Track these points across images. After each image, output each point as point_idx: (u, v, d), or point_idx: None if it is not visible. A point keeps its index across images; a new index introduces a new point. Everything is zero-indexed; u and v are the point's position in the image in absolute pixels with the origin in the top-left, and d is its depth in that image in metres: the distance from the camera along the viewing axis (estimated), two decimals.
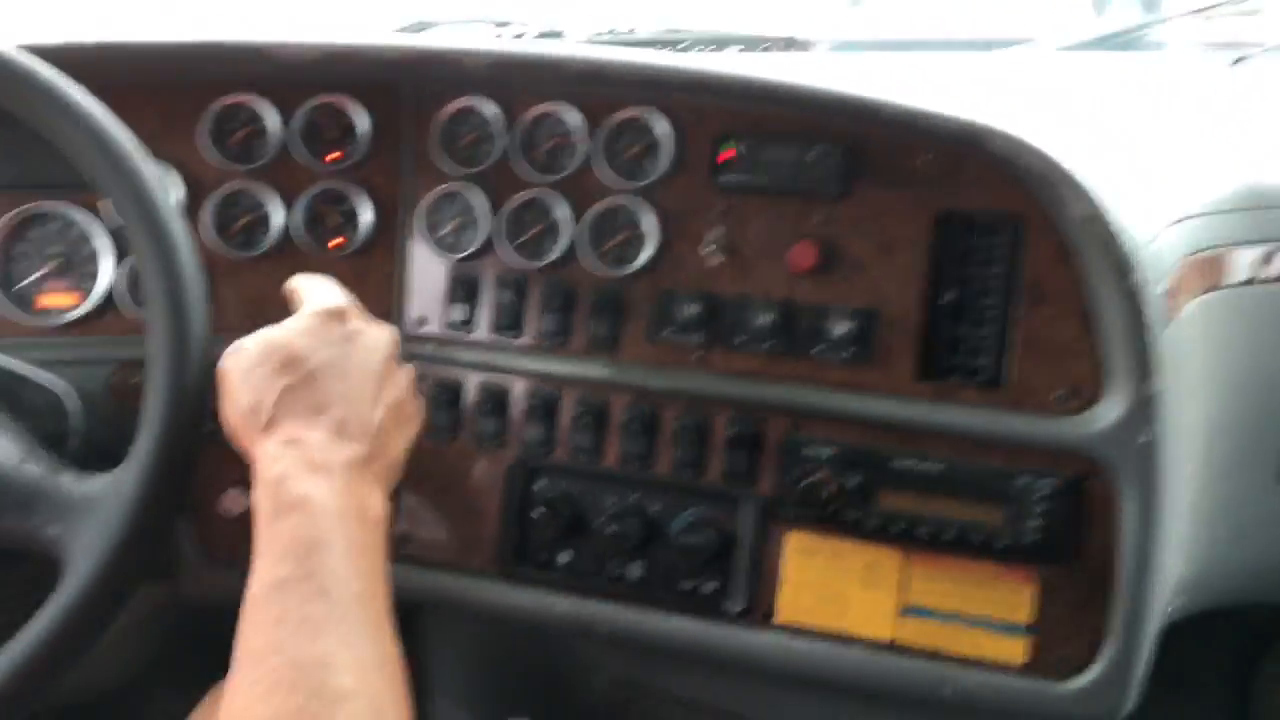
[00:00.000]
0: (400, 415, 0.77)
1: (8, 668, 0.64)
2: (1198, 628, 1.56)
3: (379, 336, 0.79)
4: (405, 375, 0.80)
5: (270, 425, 0.68)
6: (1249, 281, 0.96)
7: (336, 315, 0.77)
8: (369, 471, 0.70)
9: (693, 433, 0.91)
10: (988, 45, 1.30)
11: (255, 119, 0.97)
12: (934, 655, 0.87)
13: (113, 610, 0.67)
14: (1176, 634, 1.37)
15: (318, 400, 0.70)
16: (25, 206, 0.96)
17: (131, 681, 1.12)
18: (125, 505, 0.65)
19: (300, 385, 0.70)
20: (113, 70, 0.93)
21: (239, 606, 1.11)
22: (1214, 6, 1.17)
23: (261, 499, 0.66)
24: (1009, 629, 0.86)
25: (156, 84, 0.96)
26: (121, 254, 0.97)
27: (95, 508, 0.67)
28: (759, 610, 0.91)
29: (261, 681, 0.58)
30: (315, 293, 0.80)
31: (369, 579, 0.65)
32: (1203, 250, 0.92)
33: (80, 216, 0.96)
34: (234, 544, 0.97)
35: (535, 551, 0.96)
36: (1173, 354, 0.84)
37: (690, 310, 0.91)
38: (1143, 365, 0.80)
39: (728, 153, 0.91)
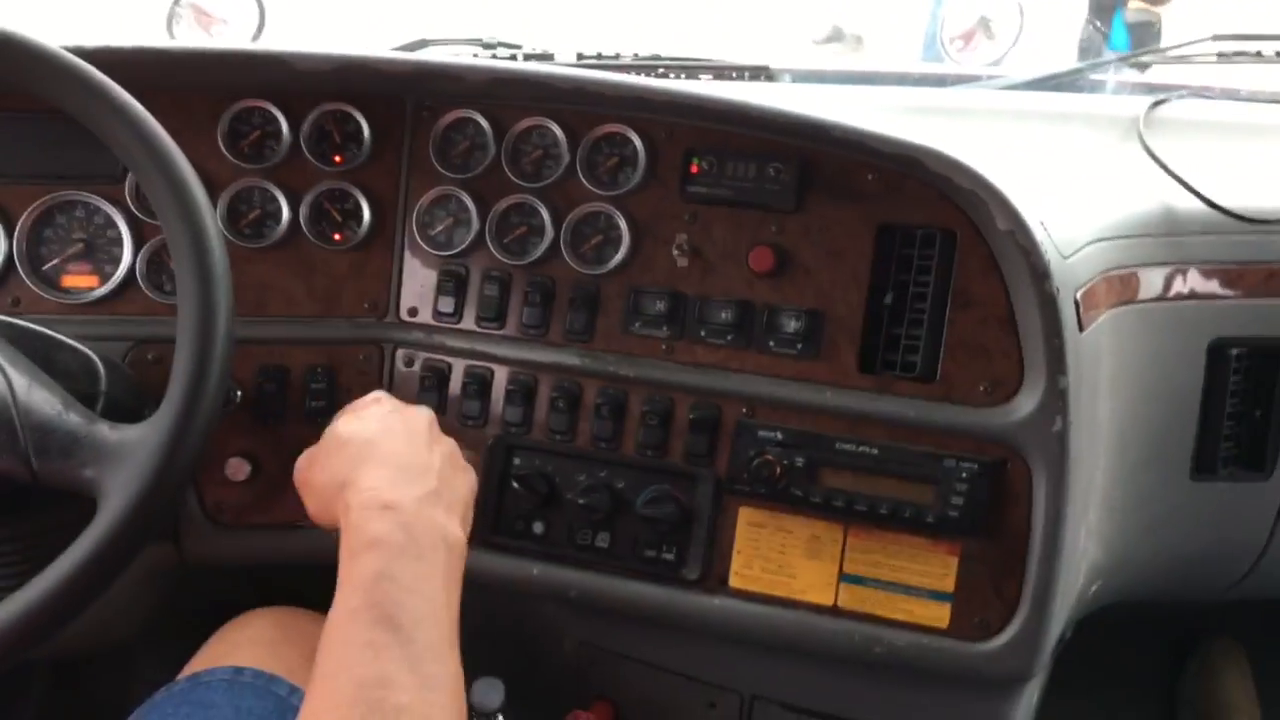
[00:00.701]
0: (455, 463, 0.87)
1: (46, 588, 0.73)
2: (1128, 627, 1.67)
3: (418, 410, 0.90)
4: (450, 440, 0.90)
5: (345, 485, 0.78)
6: (1157, 299, 1.07)
7: (375, 401, 0.90)
8: (440, 504, 0.79)
9: (657, 416, 1.00)
10: (940, 81, 1.41)
11: (267, 123, 1.06)
12: (869, 619, 0.97)
13: (139, 545, 0.75)
14: (1108, 631, 1.47)
15: (380, 456, 0.81)
16: (54, 194, 1.04)
17: (126, 640, 1.20)
18: (157, 451, 0.74)
19: (362, 450, 0.81)
20: (142, 73, 1.01)
21: (237, 568, 1.19)
22: (1139, 55, 1.29)
23: (344, 545, 0.75)
24: (935, 596, 0.95)
25: (178, 87, 1.05)
26: (140, 241, 1.05)
27: (130, 453, 0.75)
28: (713, 577, 1.00)
29: (328, 699, 0.66)
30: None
31: (434, 604, 0.71)
32: (1117, 268, 1.03)
33: (104, 205, 1.05)
34: (235, 509, 1.06)
35: (511, 522, 1.05)
36: (1086, 356, 0.94)
37: (658, 306, 1.01)
38: (1055, 363, 0.91)
39: (695, 167, 1.00)
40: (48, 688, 1.53)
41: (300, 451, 1.06)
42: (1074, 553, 0.97)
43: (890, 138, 0.93)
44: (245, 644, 0.99)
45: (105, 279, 1.05)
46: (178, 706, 0.89)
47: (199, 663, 0.98)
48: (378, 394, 0.92)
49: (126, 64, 0.98)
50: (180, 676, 0.95)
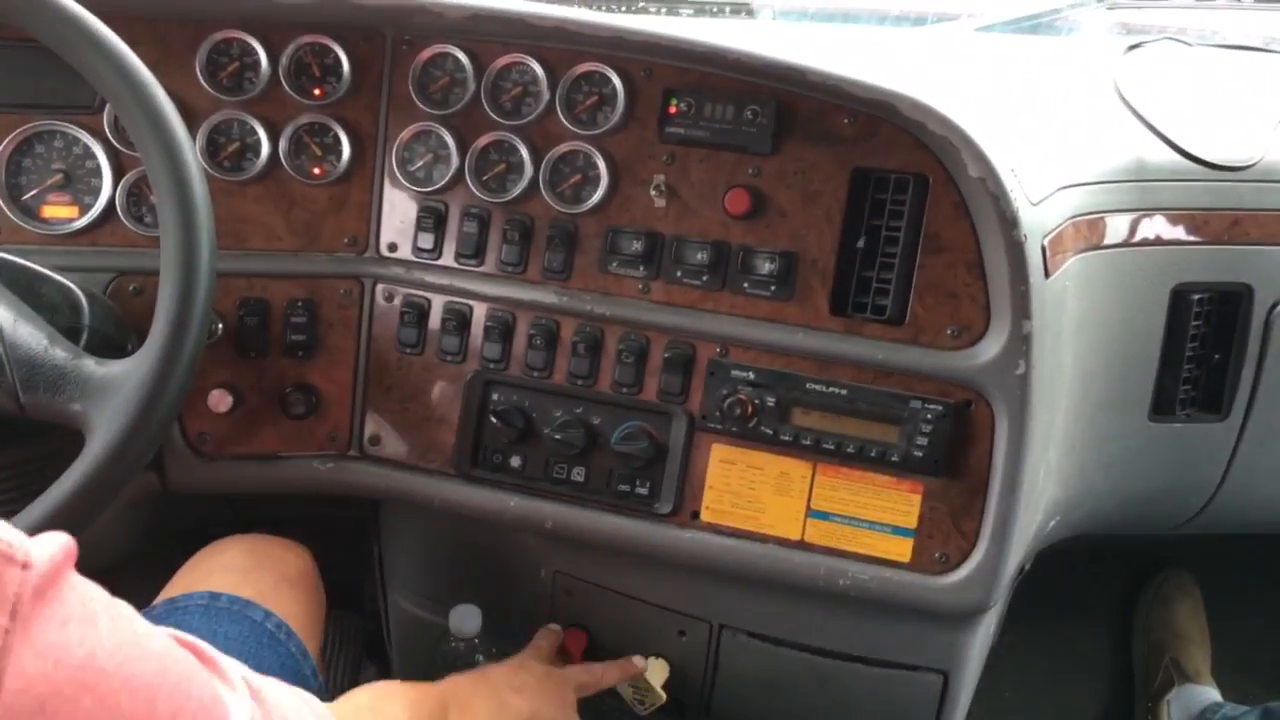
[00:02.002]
0: None
1: (37, 518, 0.75)
2: (1086, 559, 1.73)
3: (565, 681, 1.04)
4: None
5: None
6: (1123, 244, 1.10)
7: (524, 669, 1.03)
8: None
9: (633, 354, 1.02)
10: (918, 20, 1.42)
11: (246, 54, 1.05)
12: (834, 553, 1.00)
13: (126, 477, 0.77)
14: (1067, 564, 1.52)
15: None
16: (31, 124, 1.04)
17: (109, 563, 1.22)
18: (143, 385, 0.76)
19: None
20: (116, 1, 1.00)
21: (218, 496, 1.21)
22: None
23: None
24: (898, 531, 0.99)
25: (155, 17, 1.04)
26: (120, 171, 1.05)
27: (116, 387, 0.77)
28: (685, 511, 1.03)
29: None
30: None
31: None
32: (1085, 214, 1.05)
33: (82, 135, 1.04)
34: (217, 440, 1.08)
35: (489, 455, 1.07)
36: (1051, 301, 0.97)
37: (635, 246, 1.02)
38: (1020, 308, 0.93)
39: (673, 108, 1.01)
40: None
41: (281, 384, 1.08)
42: (1033, 490, 1.00)
43: (865, 83, 0.94)
44: (219, 570, 1.01)
45: (85, 210, 1.05)
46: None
47: (175, 588, 1.01)
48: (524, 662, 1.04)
49: None
50: (157, 601, 0.98)
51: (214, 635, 0.91)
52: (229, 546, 1.06)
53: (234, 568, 1.02)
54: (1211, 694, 1.65)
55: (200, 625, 0.92)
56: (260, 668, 0.90)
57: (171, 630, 0.54)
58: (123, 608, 0.47)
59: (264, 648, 0.93)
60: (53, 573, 0.43)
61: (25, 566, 0.41)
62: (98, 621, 0.44)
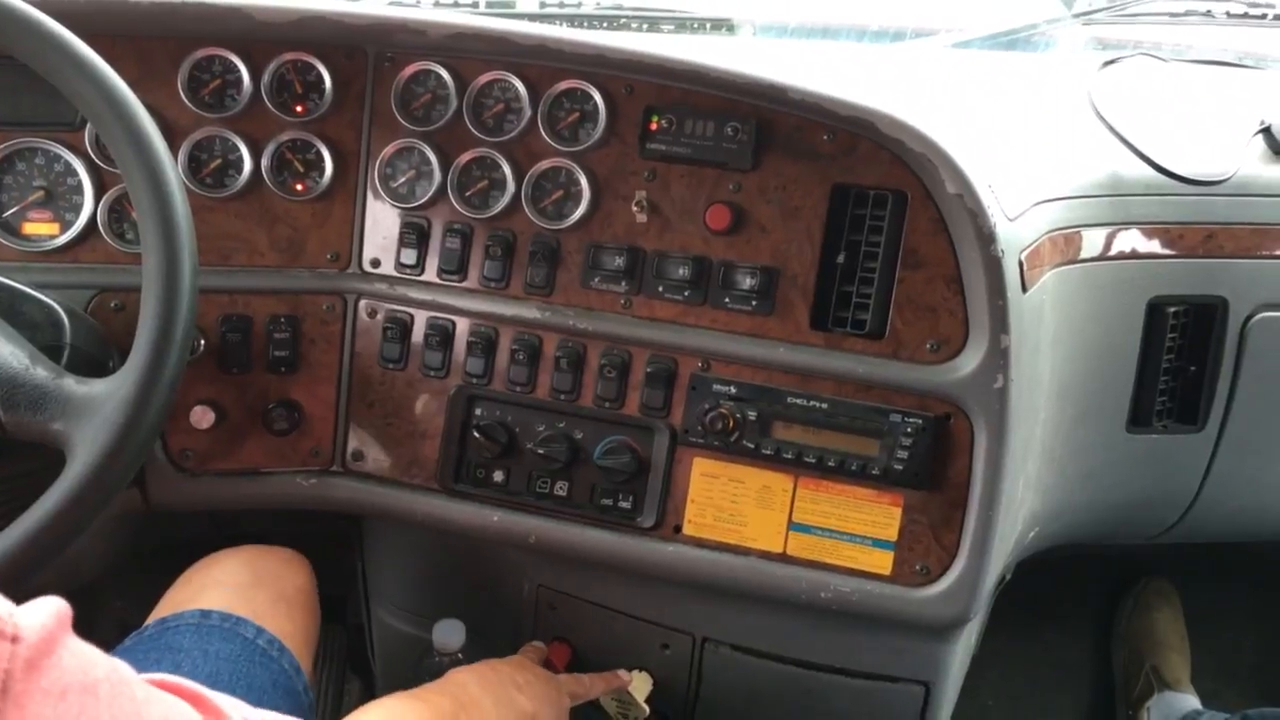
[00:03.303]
0: None
1: (16, 540, 0.75)
2: (1066, 569, 1.74)
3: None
4: None
5: None
6: (1099, 258, 1.11)
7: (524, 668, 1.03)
8: None
9: (615, 369, 1.03)
10: (897, 35, 1.43)
11: (228, 71, 1.05)
12: (816, 565, 1.01)
13: (107, 498, 0.77)
14: (1048, 573, 1.53)
15: None
16: (12, 141, 1.04)
17: (92, 579, 1.22)
18: (124, 405, 0.76)
19: None
20: (98, 20, 1.00)
21: (201, 512, 1.21)
22: (1093, 13, 1.31)
23: None
24: (878, 544, 1.00)
25: (137, 35, 1.04)
26: (101, 189, 1.05)
27: (97, 406, 0.77)
28: (668, 525, 1.04)
29: None
30: None
31: None
32: (1061, 228, 1.06)
33: (64, 152, 1.04)
34: (199, 456, 1.08)
35: (472, 470, 1.07)
36: (1029, 315, 0.98)
37: (617, 261, 1.03)
38: (998, 323, 0.94)
39: (654, 125, 1.02)
40: None
41: (264, 400, 1.08)
42: (1012, 502, 1.01)
43: (845, 100, 0.95)
44: (211, 586, 1.01)
45: (67, 227, 1.05)
46: (147, 652, 0.91)
47: (166, 607, 1.00)
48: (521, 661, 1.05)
49: (83, 11, 0.98)
50: (148, 621, 0.98)
51: (205, 654, 0.91)
52: (221, 561, 1.05)
53: (230, 584, 1.01)
54: (1191, 701, 1.66)
55: (191, 644, 0.92)
56: (252, 685, 0.90)
57: (171, 679, 0.53)
58: (124, 671, 0.45)
59: (255, 665, 0.93)
60: (45, 642, 0.40)
61: (15, 640, 0.39)
62: (98, 691, 0.42)
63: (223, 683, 0.79)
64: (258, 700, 0.90)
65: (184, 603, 0.97)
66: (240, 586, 1.00)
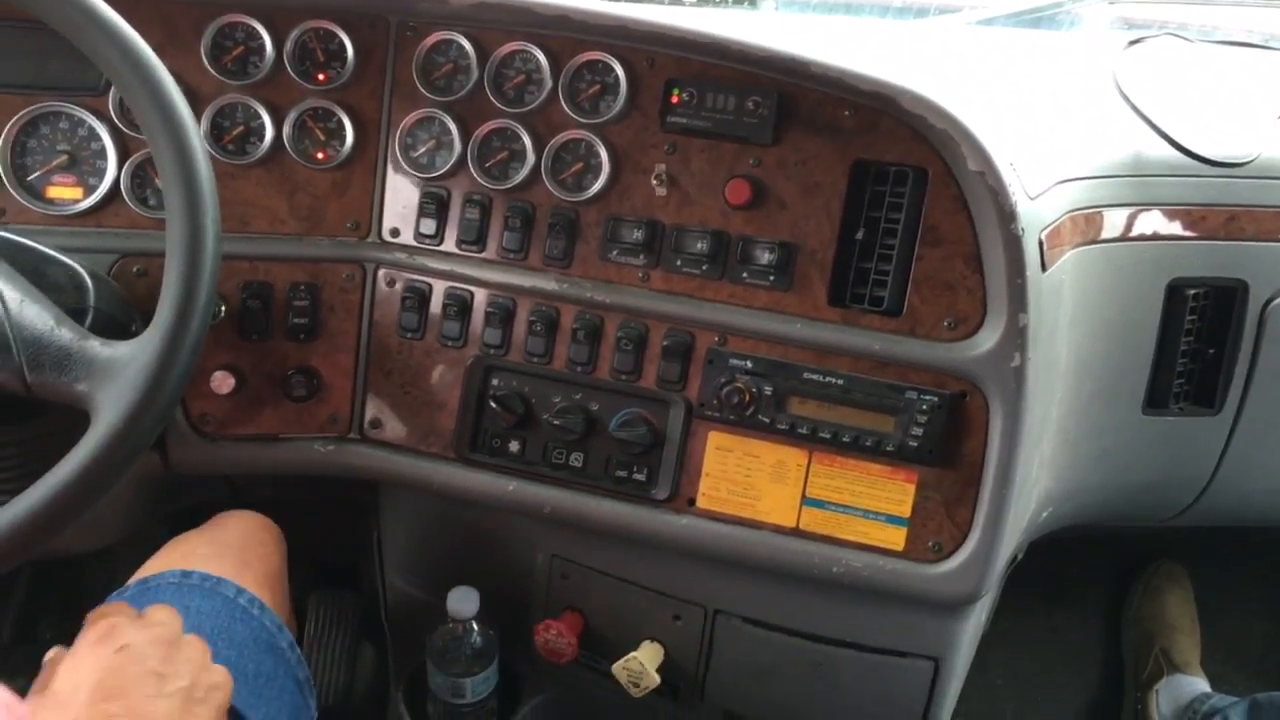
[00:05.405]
0: None
1: (41, 498, 0.76)
2: (1078, 549, 1.75)
3: None
4: None
5: None
6: (1120, 238, 1.10)
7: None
8: None
9: (632, 342, 1.03)
10: (920, 12, 1.42)
11: (251, 38, 1.06)
12: (829, 540, 1.01)
13: (130, 459, 0.78)
14: (1060, 554, 1.54)
15: None
16: (37, 105, 1.04)
17: (110, 542, 1.23)
18: (148, 367, 0.76)
19: None
20: None
21: (220, 477, 1.22)
22: None
23: None
24: (892, 520, 1.00)
25: (161, 1, 1.04)
26: (125, 153, 1.06)
27: (121, 368, 0.77)
28: (682, 498, 1.04)
29: None
30: None
31: None
32: (1083, 208, 1.06)
33: (88, 117, 1.05)
34: (219, 421, 1.09)
35: (488, 440, 1.08)
36: (1047, 295, 0.98)
37: (636, 234, 1.03)
38: (1017, 301, 0.94)
39: (675, 98, 1.02)
40: (31, 584, 1.57)
41: (283, 366, 1.09)
42: (1026, 481, 1.01)
43: (867, 76, 0.94)
44: (180, 558, 1.01)
45: (90, 191, 1.06)
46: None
47: (146, 571, 1.00)
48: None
49: None
50: (130, 582, 0.98)
51: (186, 610, 0.90)
52: (192, 538, 1.05)
53: (197, 556, 1.01)
54: (1200, 684, 1.67)
55: (172, 600, 0.92)
56: (233, 640, 0.91)
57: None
58: None
59: (236, 621, 0.93)
60: None
61: None
62: None
63: (203, 637, 0.79)
64: (239, 655, 0.90)
65: (163, 566, 0.98)
66: (209, 557, 1.00)
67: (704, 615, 1.13)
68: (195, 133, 0.81)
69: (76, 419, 0.79)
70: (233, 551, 1.03)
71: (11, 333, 0.78)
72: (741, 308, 1.02)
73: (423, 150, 1.08)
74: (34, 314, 0.80)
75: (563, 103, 1.04)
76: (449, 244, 1.08)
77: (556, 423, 1.05)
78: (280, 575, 1.07)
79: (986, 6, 1.38)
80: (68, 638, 0.89)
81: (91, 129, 1.05)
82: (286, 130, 1.07)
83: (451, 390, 1.08)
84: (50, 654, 0.75)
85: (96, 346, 0.79)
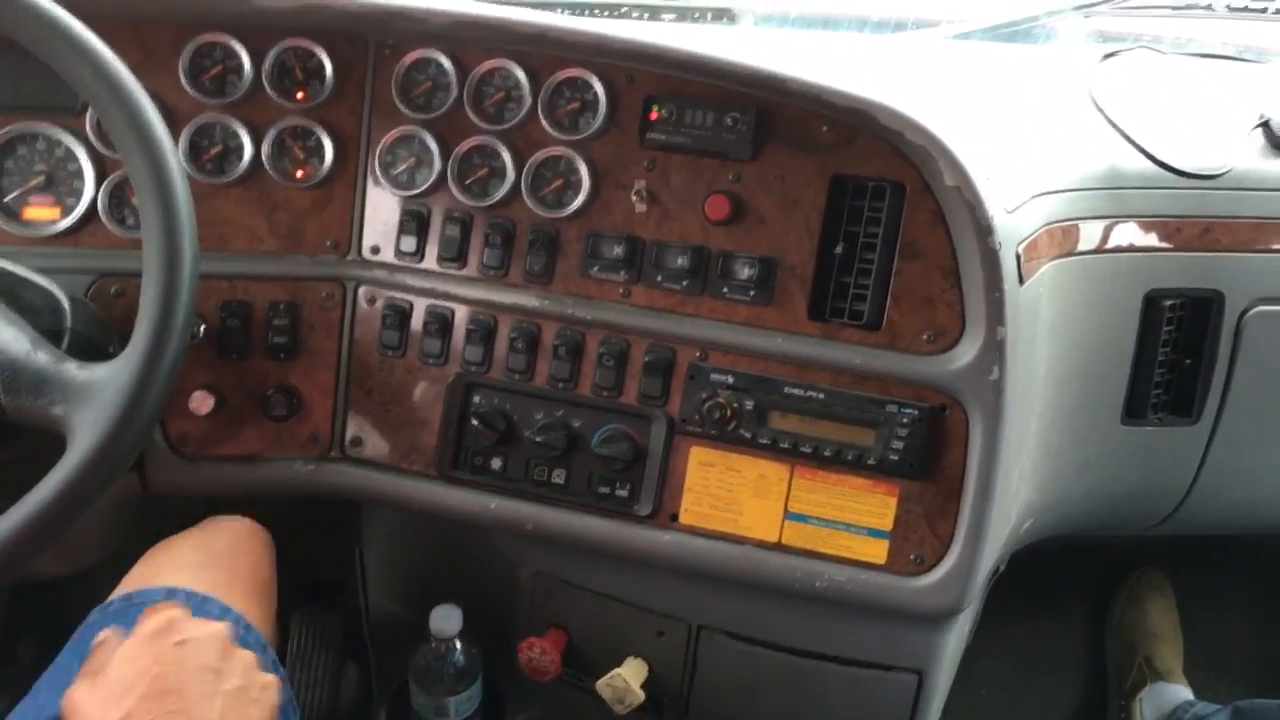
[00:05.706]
0: None
1: (16, 523, 0.75)
2: (1061, 559, 1.75)
3: None
4: None
5: None
6: (1096, 250, 1.11)
7: None
8: None
9: (613, 358, 1.03)
10: (898, 26, 1.43)
11: (229, 57, 1.05)
12: (811, 554, 1.02)
13: (107, 482, 0.77)
14: (1042, 564, 1.54)
15: None
16: (13, 125, 1.04)
17: (89, 564, 1.22)
18: (124, 390, 0.76)
19: None
20: (100, 5, 0.99)
21: (199, 497, 1.21)
22: (1094, 5, 1.31)
23: None
24: (873, 533, 1.00)
25: (139, 20, 1.04)
26: (102, 174, 1.05)
27: (98, 391, 0.77)
28: (664, 513, 1.04)
29: None
30: None
31: None
32: (1059, 221, 1.06)
33: (65, 137, 1.04)
34: (198, 441, 1.08)
35: (470, 457, 1.08)
36: (1025, 307, 0.98)
37: (616, 250, 1.03)
38: (995, 315, 0.95)
39: (655, 114, 1.02)
40: (10, 606, 1.56)
41: (263, 386, 1.08)
42: (1007, 493, 1.02)
43: (844, 92, 0.95)
44: (167, 568, 1.00)
45: (67, 211, 1.05)
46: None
47: (130, 583, 0.99)
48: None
49: None
50: (113, 596, 0.97)
51: None
52: (181, 542, 1.04)
53: (182, 564, 1.00)
54: (1183, 692, 1.67)
55: None
56: None
57: None
58: None
59: None
60: None
61: None
62: None
63: None
64: None
65: (148, 579, 0.96)
66: (194, 566, 0.99)
67: (688, 631, 1.13)
68: (171, 151, 0.80)
69: (54, 442, 0.78)
70: (222, 561, 1.02)
71: None
72: (722, 323, 1.02)
73: (402, 168, 1.08)
74: (10, 337, 0.79)
75: (542, 120, 1.04)
76: (429, 261, 1.08)
77: (538, 439, 1.05)
78: (269, 585, 1.06)
79: (963, 20, 1.39)
80: (48, 660, 0.88)
81: (68, 149, 1.05)
82: (265, 149, 1.07)
83: (433, 408, 1.08)
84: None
85: (73, 369, 0.79)
